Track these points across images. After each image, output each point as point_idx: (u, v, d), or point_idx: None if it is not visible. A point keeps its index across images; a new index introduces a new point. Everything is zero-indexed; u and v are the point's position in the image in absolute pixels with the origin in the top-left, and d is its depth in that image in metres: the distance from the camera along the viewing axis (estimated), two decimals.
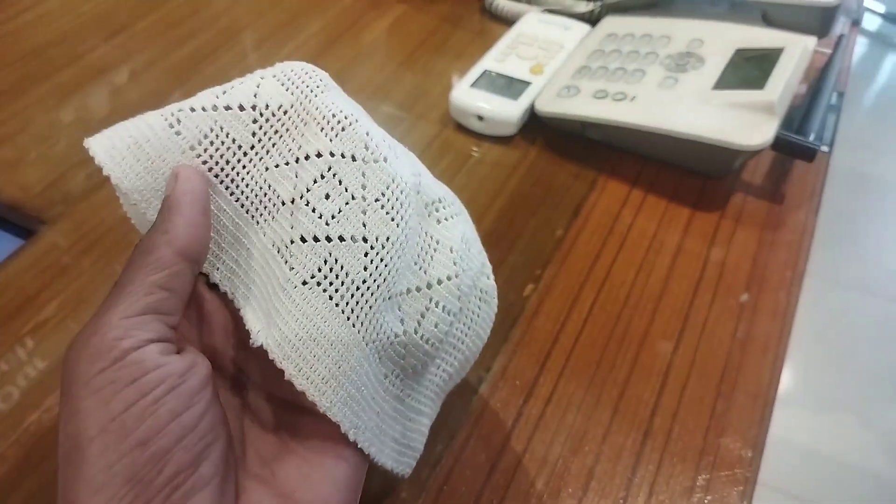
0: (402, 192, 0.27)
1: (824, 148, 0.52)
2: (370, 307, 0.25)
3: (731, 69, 0.50)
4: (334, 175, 0.26)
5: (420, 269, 0.28)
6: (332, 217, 0.26)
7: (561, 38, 0.57)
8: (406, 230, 0.27)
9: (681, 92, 0.49)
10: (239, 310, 0.27)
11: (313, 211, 0.26)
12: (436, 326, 0.28)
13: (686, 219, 0.48)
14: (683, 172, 0.51)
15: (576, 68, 0.54)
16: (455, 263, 0.28)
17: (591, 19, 0.60)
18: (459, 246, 0.29)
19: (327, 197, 0.26)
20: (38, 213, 0.49)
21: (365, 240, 0.26)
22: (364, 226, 0.26)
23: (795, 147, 0.46)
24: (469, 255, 0.30)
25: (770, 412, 0.38)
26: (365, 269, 0.25)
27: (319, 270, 0.25)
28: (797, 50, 0.49)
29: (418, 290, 0.27)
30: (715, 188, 0.50)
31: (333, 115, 0.27)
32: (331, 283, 0.25)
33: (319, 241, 0.25)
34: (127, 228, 0.48)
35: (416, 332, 0.27)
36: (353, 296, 0.25)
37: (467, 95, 0.53)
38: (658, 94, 0.49)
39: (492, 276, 0.32)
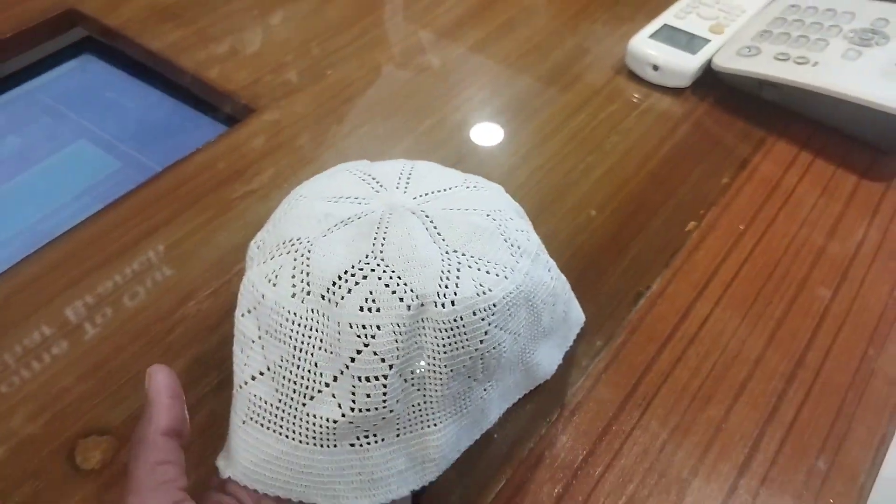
0: (275, 312, 0.31)
1: None
2: (293, 416, 0.31)
3: None
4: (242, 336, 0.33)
5: (334, 354, 0.30)
6: (245, 364, 0.32)
7: (742, 3, 0.58)
8: (296, 340, 0.31)
9: (865, 63, 0.49)
10: None
11: (239, 364, 0.33)
12: (368, 396, 0.30)
13: (851, 188, 0.49)
14: (853, 143, 0.51)
15: (757, 31, 0.55)
16: (358, 336, 0.30)
17: None
18: (358, 317, 0.30)
19: (241, 351, 0.33)
20: (249, 101, 0.56)
21: (268, 368, 0.31)
22: (265, 358, 0.32)
23: None
24: (376, 315, 0.30)
25: None
26: (276, 391, 0.31)
27: (249, 409, 0.32)
28: None
29: (342, 372, 0.30)
30: (885, 163, 0.51)
31: None
32: (258, 415, 0.31)
33: (242, 387, 0.32)
34: (325, 120, 0.54)
35: (352, 410, 0.30)
36: (276, 415, 0.31)
37: (645, 45, 0.55)
38: (841, 62, 0.50)
39: (444, 305, 0.30)
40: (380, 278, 0.30)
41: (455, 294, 0.30)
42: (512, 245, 0.33)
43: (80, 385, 0.38)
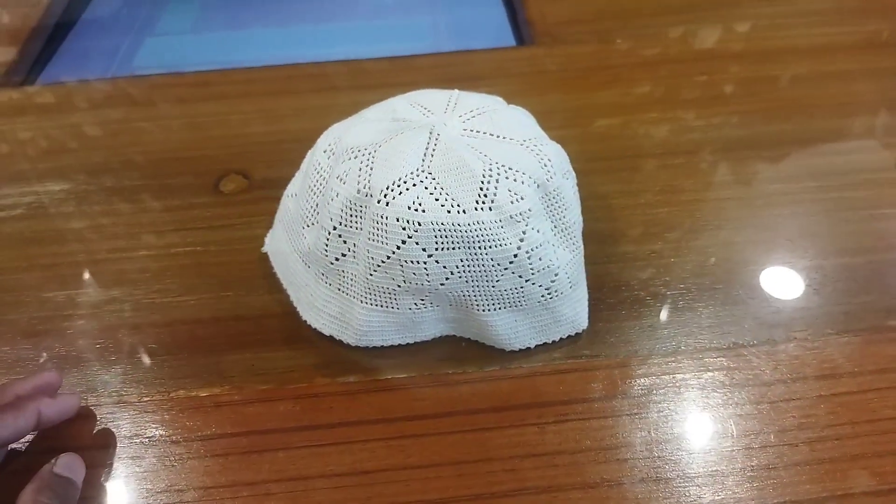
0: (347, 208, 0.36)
1: None
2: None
3: None
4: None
5: (382, 242, 0.35)
6: (327, 248, 0.38)
7: None
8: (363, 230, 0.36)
9: None
10: None
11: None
12: (414, 274, 0.36)
13: None
14: None
15: None
16: (404, 228, 0.35)
17: None
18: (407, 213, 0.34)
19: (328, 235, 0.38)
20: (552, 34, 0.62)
21: (349, 250, 0.37)
22: (344, 243, 0.37)
23: None
24: (420, 215, 0.34)
25: None
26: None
27: (340, 281, 0.38)
28: None
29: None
30: None
31: None
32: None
33: (334, 262, 0.38)
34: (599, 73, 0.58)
35: (404, 282, 0.36)
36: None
37: None
38: None
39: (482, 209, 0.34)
40: (426, 188, 0.35)
41: (493, 202, 0.34)
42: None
43: None
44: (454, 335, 0.40)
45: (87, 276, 0.44)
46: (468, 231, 0.34)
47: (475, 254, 0.35)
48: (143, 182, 0.51)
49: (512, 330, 0.38)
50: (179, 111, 0.57)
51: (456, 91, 0.41)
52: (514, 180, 0.35)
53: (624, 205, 0.47)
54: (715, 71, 0.59)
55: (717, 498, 0.32)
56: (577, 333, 0.39)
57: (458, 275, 0.36)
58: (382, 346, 0.39)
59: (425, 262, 0.35)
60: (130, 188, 0.50)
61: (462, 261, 0.35)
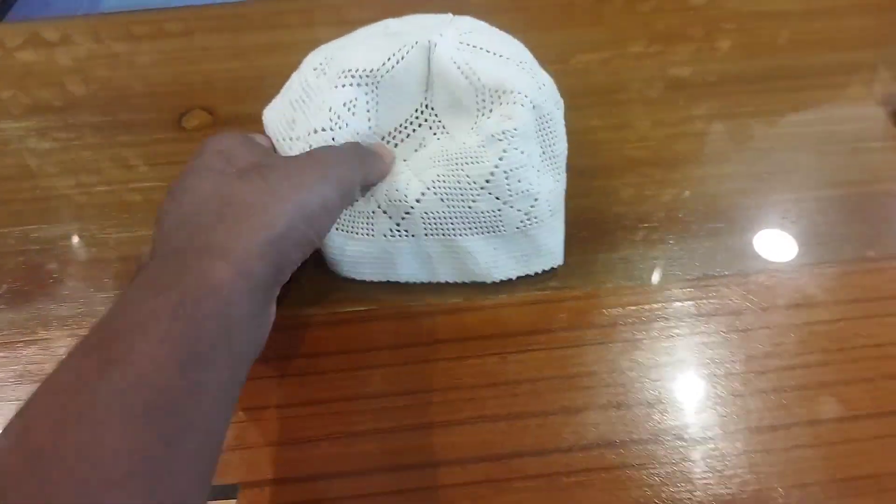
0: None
1: None
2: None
3: None
4: None
5: None
6: None
7: None
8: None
9: None
10: None
11: None
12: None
13: None
14: None
15: None
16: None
17: None
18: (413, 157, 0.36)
19: None
20: None
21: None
22: None
23: None
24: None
25: None
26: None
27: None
28: None
29: None
30: None
31: None
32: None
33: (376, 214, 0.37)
34: None
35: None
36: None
37: None
38: None
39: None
40: (430, 128, 0.37)
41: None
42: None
43: None
44: (430, 283, 0.38)
45: (43, 211, 0.43)
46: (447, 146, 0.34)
47: (451, 170, 0.34)
48: (105, 118, 0.49)
49: (491, 259, 0.37)
50: (147, 47, 0.55)
51: (450, 14, 0.39)
52: (507, 103, 0.34)
53: (603, 139, 0.46)
54: (703, 6, 0.56)
55: (678, 423, 0.31)
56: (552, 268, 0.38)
57: (434, 191, 0.35)
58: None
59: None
60: (92, 124, 0.48)
61: (439, 175, 0.35)
